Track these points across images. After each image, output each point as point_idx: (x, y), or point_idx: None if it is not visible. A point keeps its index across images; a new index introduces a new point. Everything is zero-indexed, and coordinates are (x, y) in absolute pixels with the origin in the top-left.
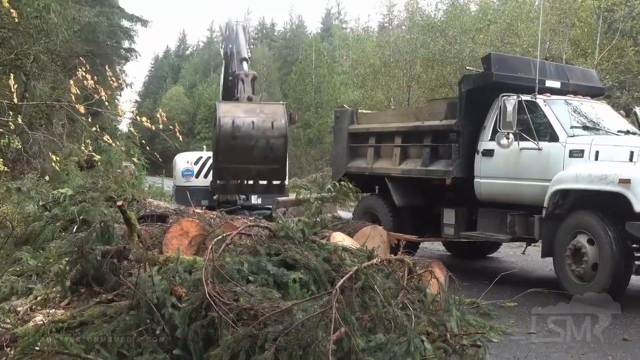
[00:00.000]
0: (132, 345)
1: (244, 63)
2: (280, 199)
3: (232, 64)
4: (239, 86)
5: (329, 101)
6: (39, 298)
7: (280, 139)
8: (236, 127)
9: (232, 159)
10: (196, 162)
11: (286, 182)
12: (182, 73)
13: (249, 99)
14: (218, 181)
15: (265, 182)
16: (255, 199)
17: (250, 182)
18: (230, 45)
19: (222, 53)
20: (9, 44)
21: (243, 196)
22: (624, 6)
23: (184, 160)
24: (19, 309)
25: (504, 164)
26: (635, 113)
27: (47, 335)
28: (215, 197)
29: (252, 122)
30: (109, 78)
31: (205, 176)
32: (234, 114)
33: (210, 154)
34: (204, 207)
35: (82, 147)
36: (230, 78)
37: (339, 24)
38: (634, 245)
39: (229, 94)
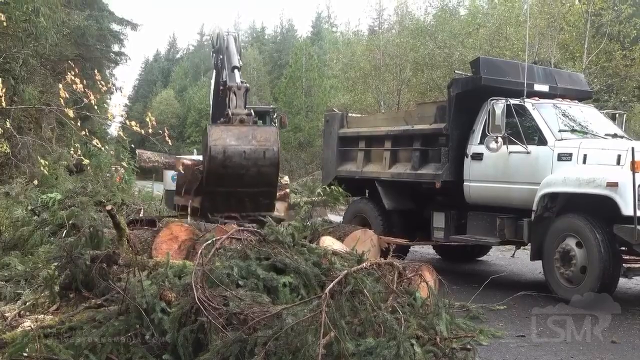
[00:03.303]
0: (121, 350)
1: (236, 72)
2: None
3: (223, 73)
4: (232, 99)
5: (319, 105)
6: (27, 303)
7: (272, 168)
8: (227, 157)
9: (222, 185)
10: None
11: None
12: (173, 77)
13: (241, 121)
14: (206, 202)
15: (254, 202)
16: None
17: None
18: (221, 56)
19: (212, 63)
20: None
21: None
22: (612, 10)
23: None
24: (7, 314)
25: (493, 167)
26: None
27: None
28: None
29: (244, 151)
30: (98, 82)
31: None
32: (225, 143)
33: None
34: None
35: (72, 151)
36: (221, 88)
37: (329, 28)
38: (622, 248)
39: (220, 105)
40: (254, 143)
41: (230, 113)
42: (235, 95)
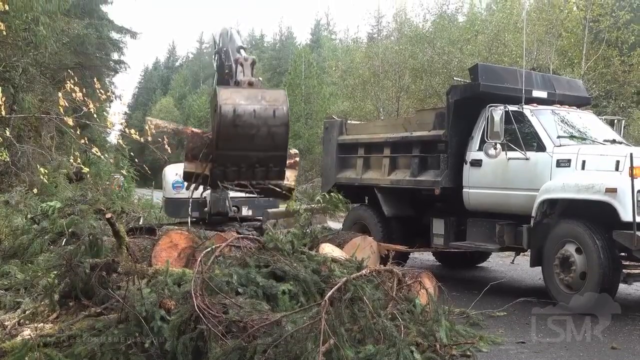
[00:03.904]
0: (121, 358)
1: (242, 51)
2: (270, 210)
3: (228, 57)
4: (239, 70)
5: (318, 112)
6: (27, 312)
7: (282, 127)
8: (237, 115)
9: (233, 147)
10: None
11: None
12: (172, 84)
13: (250, 84)
14: (217, 168)
15: (264, 169)
16: (246, 211)
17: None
18: (225, 48)
19: (215, 65)
20: None
21: (234, 207)
22: (610, 17)
23: (173, 173)
24: (6, 323)
25: (492, 174)
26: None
27: (35, 350)
28: (206, 209)
29: (254, 110)
30: (98, 90)
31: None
32: (235, 102)
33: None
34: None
35: (71, 160)
36: (226, 71)
37: (328, 35)
38: (622, 254)
39: None
40: (264, 103)
41: (238, 80)
42: (242, 67)
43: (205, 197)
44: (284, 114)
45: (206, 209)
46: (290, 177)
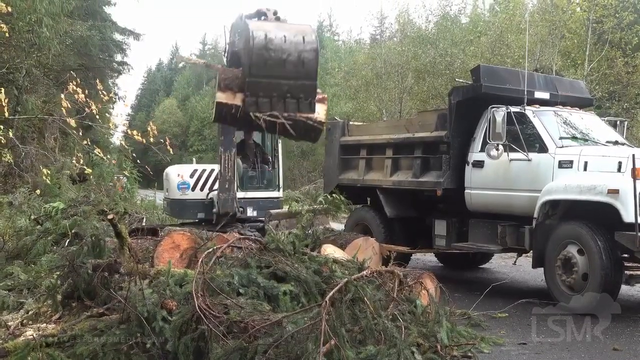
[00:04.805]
0: (122, 358)
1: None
2: (272, 211)
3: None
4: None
5: None
6: (30, 312)
7: (312, 53)
8: (269, 39)
9: (265, 74)
10: (191, 175)
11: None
12: (175, 86)
13: (277, 17)
14: (249, 97)
15: (295, 101)
16: (251, 211)
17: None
18: (238, 34)
19: (225, 60)
20: (0, 58)
21: (240, 208)
22: (613, 18)
23: (176, 173)
24: (9, 323)
25: (494, 175)
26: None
27: (38, 350)
28: (214, 210)
29: (284, 35)
30: (101, 92)
31: (202, 189)
32: (266, 29)
33: (206, 166)
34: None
35: (74, 161)
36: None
37: (330, 36)
38: (624, 255)
39: None
40: (292, 30)
41: (263, 11)
42: (267, 16)
43: (211, 198)
44: (313, 39)
45: (215, 210)
46: (320, 111)
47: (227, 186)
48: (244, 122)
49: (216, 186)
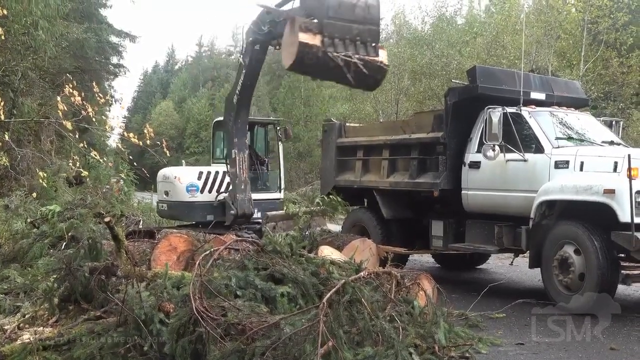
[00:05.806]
0: None
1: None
2: (269, 213)
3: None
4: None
5: (318, 114)
6: (26, 316)
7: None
8: None
9: (340, 16)
10: (199, 177)
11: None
12: (171, 88)
13: None
14: (326, 37)
15: (363, 45)
16: (256, 213)
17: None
18: (259, 37)
19: (245, 61)
20: None
21: (255, 208)
22: (608, 18)
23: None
24: (6, 327)
25: (490, 175)
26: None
27: (35, 354)
28: (232, 212)
29: None
30: (97, 94)
31: (210, 191)
32: None
33: (210, 168)
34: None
35: (71, 164)
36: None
37: None
38: (620, 255)
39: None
40: None
41: None
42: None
43: (220, 200)
44: None
45: (232, 211)
46: (383, 56)
47: (243, 187)
48: (322, 65)
49: (223, 188)
